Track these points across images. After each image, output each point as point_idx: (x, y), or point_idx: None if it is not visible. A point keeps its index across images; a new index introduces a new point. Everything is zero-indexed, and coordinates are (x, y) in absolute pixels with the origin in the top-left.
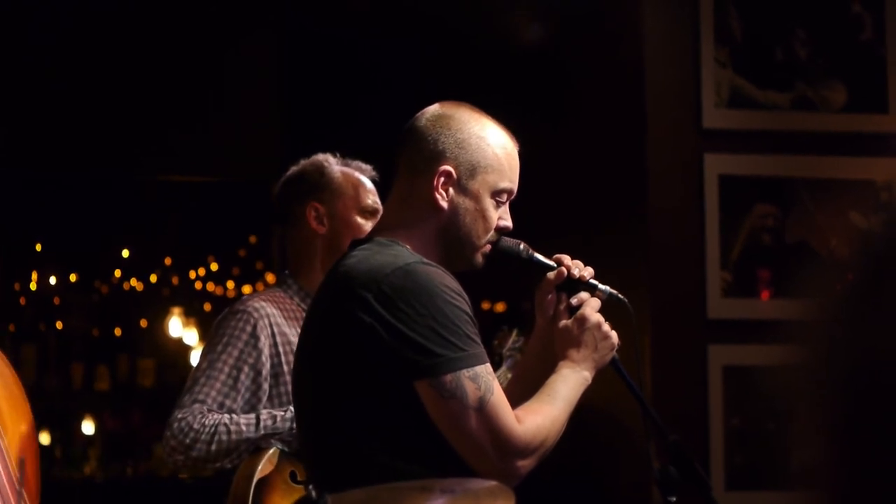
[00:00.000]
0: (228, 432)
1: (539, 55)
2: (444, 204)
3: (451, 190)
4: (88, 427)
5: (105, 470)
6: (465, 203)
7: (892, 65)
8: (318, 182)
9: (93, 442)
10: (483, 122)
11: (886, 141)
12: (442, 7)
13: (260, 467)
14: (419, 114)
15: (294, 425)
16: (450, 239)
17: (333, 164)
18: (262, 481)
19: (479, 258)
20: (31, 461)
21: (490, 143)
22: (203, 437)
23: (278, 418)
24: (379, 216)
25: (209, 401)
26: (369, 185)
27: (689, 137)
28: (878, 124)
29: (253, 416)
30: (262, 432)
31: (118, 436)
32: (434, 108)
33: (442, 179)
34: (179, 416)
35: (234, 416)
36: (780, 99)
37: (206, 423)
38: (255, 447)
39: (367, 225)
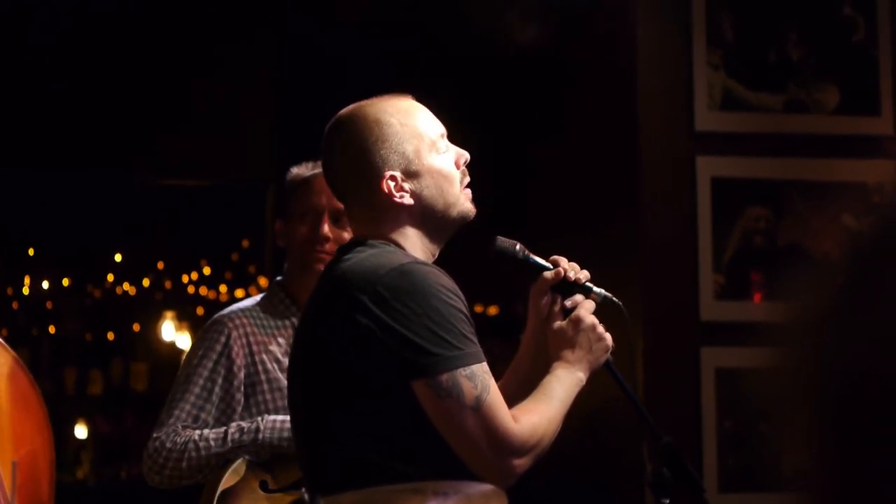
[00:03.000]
0: (197, 448)
1: (532, 59)
2: (409, 200)
3: (405, 185)
4: (81, 431)
5: (98, 474)
6: (422, 183)
7: (885, 67)
8: (284, 201)
9: (86, 446)
10: (372, 109)
11: (879, 143)
12: (437, 11)
13: (224, 479)
14: (326, 146)
15: (259, 436)
16: (432, 215)
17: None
18: (227, 492)
19: (468, 204)
20: (44, 460)
21: (392, 122)
22: (174, 455)
23: (244, 430)
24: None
25: (184, 415)
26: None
27: (681, 140)
28: (871, 126)
29: (222, 430)
30: (230, 445)
31: (111, 440)
32: (330, 135)
33: (391, 185)
34: (155, 435)
35: (204, 431)
36: (773, 101)
37: (178, 441)
38: (225, 460)
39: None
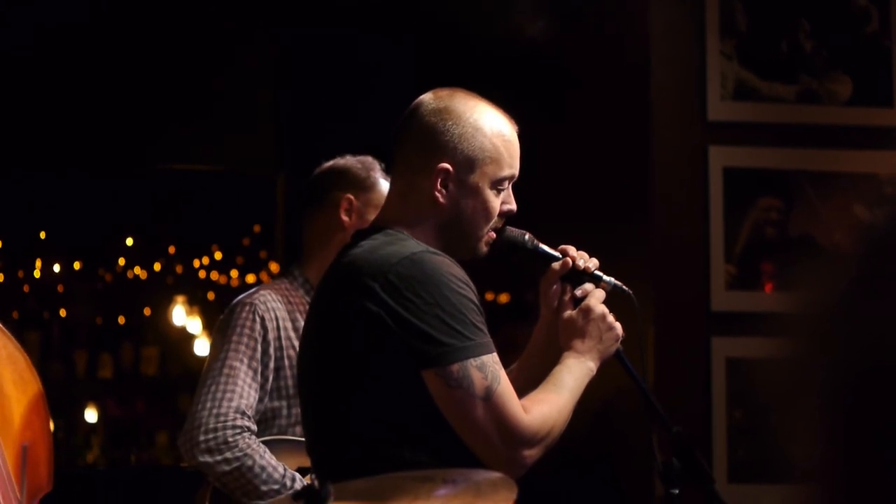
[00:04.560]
0: (251, 469)
1: (545, 49)
2: (444, 201)
3: (450, 185)
4: (92, 415)
5: (108, 458)
6: (465, 197)
7: None
8: (361, 179)
9: (96, 430)
10: (479, 111)
11: (891, 134)
12: (445, 5)
13: None
14: (414, 105)
15: None
16: (452, 233)
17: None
18: None
19: (483, 248)
20: (42, 444)
21: (487, 133)
22: (229, 455)
23: (295, 490)
24: None
25: (238, 390)
26: None
27: (693, 130)
28: (883, 118)
29: (281, 466)
30: (284, 484)
31: (121, 424)
32: (428, 100)
33: (440, 177)
34: (215, 412)
35: (266, 454)
36: (786, 91)
37: (241, 444)
38: None
39: None
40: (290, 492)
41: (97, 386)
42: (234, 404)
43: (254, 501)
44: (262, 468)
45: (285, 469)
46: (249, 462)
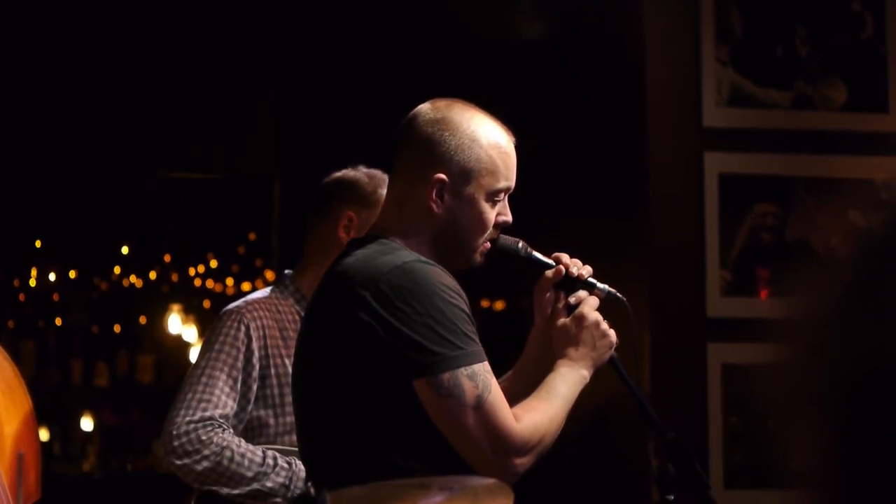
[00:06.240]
0: (232, 459)
1: (540, 54)
2: (440, 211)
3: (445, 196)
4: (87, 423)
5: (104, 466)
6: (460, 208)
7: (893, 64)
8: (366, 195)
9: (91, 438)
10: (476, 122)
11: (886, 140)
12: (442, 8)
13: None
14: (412, 115)
15: (291, 483)
16: (447, 243)
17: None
18: None
19: (478, 258)
20: (30, 452)
21: (483, 144)
22: (207, 451)
23: (278, 462)
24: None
25: (214, 399)
26: None
27: (689, 136)
28: (879, 123)
29: (259, 449)
30: (264, 470)
31: (117, 432)
32: (426, 110)
33: (436, 188)
34: (188, 419)
35: (242, 442)
36: (781, 97)
37: (214, 438)
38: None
39: None
40: (278, 469)
41: (93, 394)
42: (207, 413)
43: (242, 489)
44: (242, 455)
45: (264, 451)
46: (228, 453)
